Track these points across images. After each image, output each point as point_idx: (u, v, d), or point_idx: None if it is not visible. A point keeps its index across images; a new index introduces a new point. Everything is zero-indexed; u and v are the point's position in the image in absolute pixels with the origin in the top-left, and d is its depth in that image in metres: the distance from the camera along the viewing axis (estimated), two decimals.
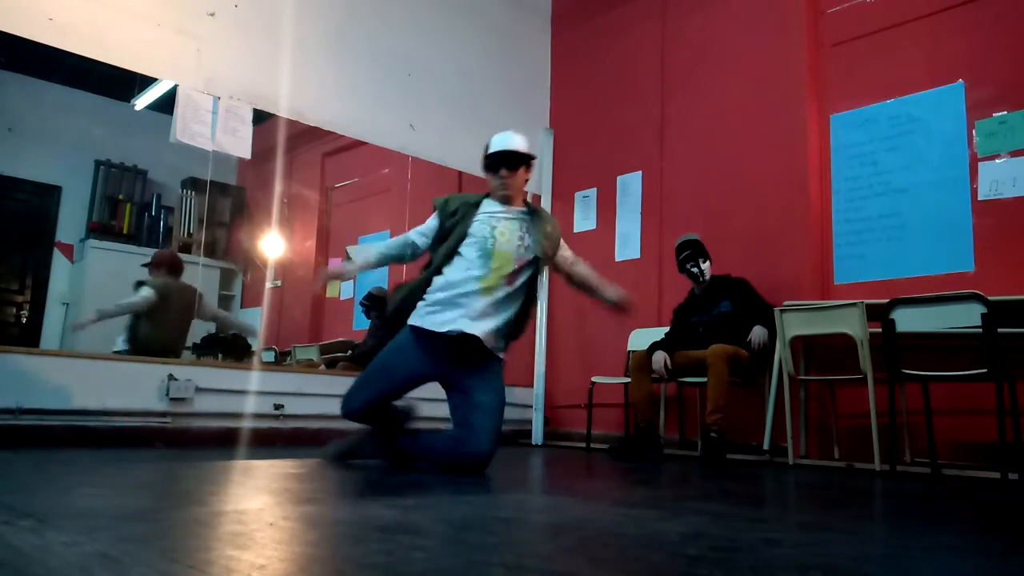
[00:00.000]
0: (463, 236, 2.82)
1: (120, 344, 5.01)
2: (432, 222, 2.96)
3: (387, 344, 2.98)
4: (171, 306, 5.04)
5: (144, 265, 5.40)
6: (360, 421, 2.91)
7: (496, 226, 2.83)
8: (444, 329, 2.73)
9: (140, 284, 5.15)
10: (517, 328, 2.88)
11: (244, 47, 3.98)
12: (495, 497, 2.13)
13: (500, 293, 2.77)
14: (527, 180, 2.96)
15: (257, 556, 1.12)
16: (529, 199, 3.07)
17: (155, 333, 4.92)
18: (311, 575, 1.05)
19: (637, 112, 5.06)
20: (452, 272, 2.80)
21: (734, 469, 3.30)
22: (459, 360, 2.79)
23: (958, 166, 3.69)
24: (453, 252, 2.81)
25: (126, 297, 5.08)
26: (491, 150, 2.89)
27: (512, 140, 2.88)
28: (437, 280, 2.82)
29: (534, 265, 2.87)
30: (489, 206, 2.89)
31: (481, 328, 2.72)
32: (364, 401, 2.86)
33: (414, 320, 2.83)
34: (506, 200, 2.88)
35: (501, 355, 2.87)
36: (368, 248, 2.90)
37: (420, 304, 2.83)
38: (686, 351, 3.88)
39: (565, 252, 3.06)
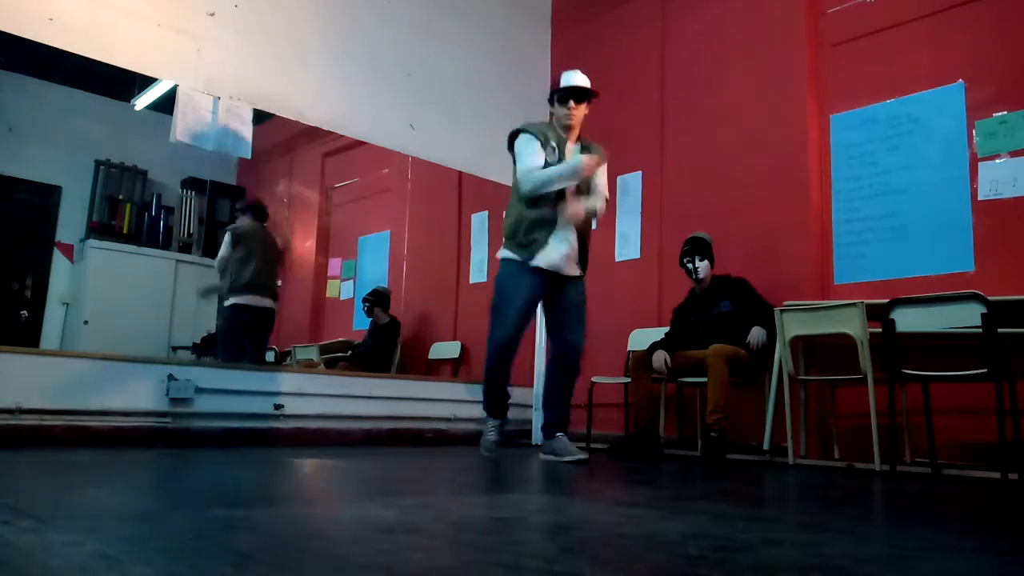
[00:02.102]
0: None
1: (231, 298, 5.15)
2: (538, 147, 3.32)
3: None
4: (253, 246, 5.20)
5: (236, 210, 5.70)
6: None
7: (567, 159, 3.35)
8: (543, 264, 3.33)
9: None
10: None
11: (244, 47, 3.98)
12: (495, 497, 2.13)
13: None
14: (585, 114, 3.44)
15: (257, 556, 1.12)
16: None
17: (247, 274, 5.11)
18: (311, 575, 1.05)
19: (637, 112, 5.06)
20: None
21: (734, 469, 3.29)
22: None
23: (958, 166, 3.68)
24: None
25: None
26: (563, 84, 3.37)
27: (577, 76, 3.41)
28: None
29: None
30: (566, 142, 3.40)
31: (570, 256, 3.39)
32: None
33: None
34: (567, 130, 3.39)
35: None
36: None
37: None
38: (686, 351, 3.88)
39: (598, 179, 3.44)
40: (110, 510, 1.63)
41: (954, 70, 3.74)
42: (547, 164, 3.29)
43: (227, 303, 5.13)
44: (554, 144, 3.33)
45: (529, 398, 5.09)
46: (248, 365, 4.62)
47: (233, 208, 5.56)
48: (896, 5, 4.00)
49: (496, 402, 3.51)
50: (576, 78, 3.39)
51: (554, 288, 3.41)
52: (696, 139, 4.72)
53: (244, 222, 5.34)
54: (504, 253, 3.41)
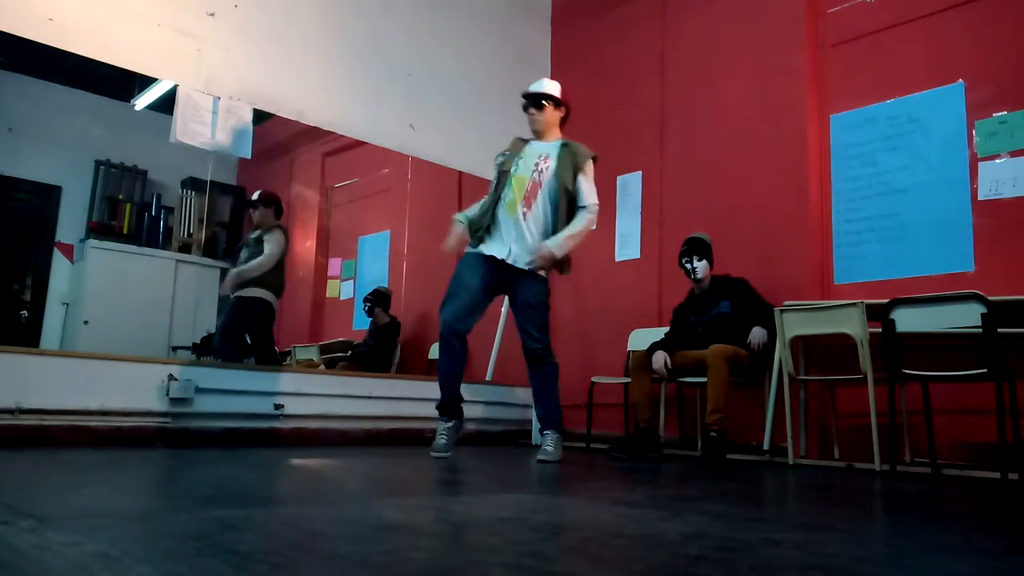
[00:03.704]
0: (500, 170, 3.50)
1: (267, 296, 4.88)
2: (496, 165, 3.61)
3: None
4: (286, 247, 5.04)
5: (249, 202, 5.18)
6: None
7: (523, 155, 3.48)
8: (488, 252, 3.39)
9: (261, 232, 4.99)
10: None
11: (244, 47, 3.98)
12: (495, 497, 2.13)
13: (519, 214, 3.37)
14: (561, 117, 3.58)
15: (257, 556, 1.12)
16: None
17: (282, 276, 4.96)
18: (311, 575, 1.05)
19: (637, 112, 5.06)
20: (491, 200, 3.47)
21: (734, 469, 3.30)
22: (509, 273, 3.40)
23: (958, 166, 3.69)
24: (497, 183, 3.48)
25: (251, 256, 4.93)
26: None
27: (539, 84, 3.58)
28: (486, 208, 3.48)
29: (554, 191, 3.39)
30: (530, 142, 3.56)
31: (513, 250, 3.36)
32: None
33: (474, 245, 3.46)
34: (538, 135, 3.55)
35: (541, 273, 3.40)
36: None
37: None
38: (686, 351, 3.88)
39: (582, 185, 3.45)
40: (110, 510, 1.63)
41: (954, 70, 3.74)
42: (498, 172, 3.52)
43: (264, 301, 4.89)
44: (506, 151, 3.56)
45: (529, 398, 5.08)
46: (248, 365, 4.61)
47: (251, 201, 5.09)
48: (896, 5, 4.00)
49: (444, 400, 3.44)
50: (536, 85, 3.57)
51: (508, 282, 3.42)
52: (696, 139, 4.72)
53: (264, 215, 5.05)
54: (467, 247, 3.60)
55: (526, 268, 3.35)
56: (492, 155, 3.89)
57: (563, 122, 3.63)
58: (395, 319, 6.32)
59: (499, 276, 3.40)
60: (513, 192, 3.41)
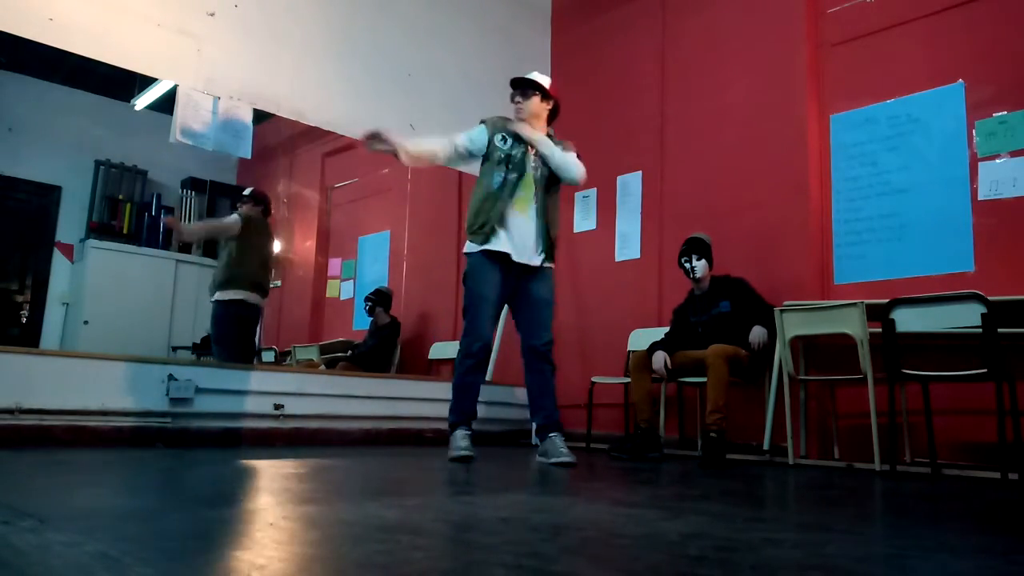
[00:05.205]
0: (505, 156, 3.36)
1: (217, 293, 4.81)
2: (481, 135, 3.44)
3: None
4: (253, 240, 4.95)
5: (239, 197, 5.26)
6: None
7: (522, 147, 3.37)
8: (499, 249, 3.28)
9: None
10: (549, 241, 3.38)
11: (244, 47, 3.98)
12: (495, 497, 2.13)
13: (531, 211, 3.33)
14: (547, 110, 3.47)
15: (257, 556, 1.12)
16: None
17: (248, 270, 4.89)
18: (311, 575, 1.05)
19: (637, 112, 5.06)
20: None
21: (734, 469, 3.29)
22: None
23: (958, 166, 3.69)
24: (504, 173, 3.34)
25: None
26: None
27: (531, 74, 3.47)
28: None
29: (544, 186, 3.38)
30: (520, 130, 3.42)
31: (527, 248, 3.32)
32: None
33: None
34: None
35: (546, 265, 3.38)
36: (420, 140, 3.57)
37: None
38: (686, 351, 3.88)
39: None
40: (110, 510, 1.63)
41: (954, 70, 3.74)
42: (499, 151, 3.37)
43: (226, 298, 4.78)
44: (504, 134, 3.40)
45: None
46: (248, 365, 4.60)
47: (241, 196, 5.18)
48: (896, 5, 4.00)
49: (467, 412, 3.38)
50: (526, 74, 3.49)
51: (519, 279, 3.34)
52: (696, 139, 4.72)
53: (252, 211, 5.02)
54: (466, 247, 3.39)
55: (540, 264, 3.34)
56: None
57: (551, 119, 3.53)
58: (395, 319, 6.32)
59: (510, 274, 3.32)
60: (524, 190, 3.32)
